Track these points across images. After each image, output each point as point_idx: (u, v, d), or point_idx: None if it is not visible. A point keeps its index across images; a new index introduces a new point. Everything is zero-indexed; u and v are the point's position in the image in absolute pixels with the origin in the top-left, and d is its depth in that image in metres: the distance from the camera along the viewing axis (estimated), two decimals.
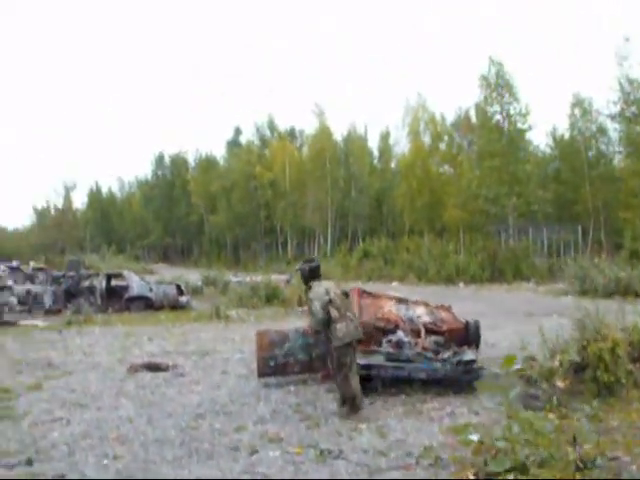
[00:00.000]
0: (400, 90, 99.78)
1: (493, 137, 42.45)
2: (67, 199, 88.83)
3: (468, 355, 9.83)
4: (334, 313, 8.22)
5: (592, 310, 9.32)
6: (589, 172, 43.66)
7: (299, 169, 60.74)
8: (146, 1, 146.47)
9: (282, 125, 74.04)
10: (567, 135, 48.69)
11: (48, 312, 21.80)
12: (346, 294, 8.79)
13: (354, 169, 58.74)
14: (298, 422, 8.04)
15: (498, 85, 42.59)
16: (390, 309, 11.37)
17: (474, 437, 7.22)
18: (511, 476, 5.59)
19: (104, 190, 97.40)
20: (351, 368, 8.28)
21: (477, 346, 10.55)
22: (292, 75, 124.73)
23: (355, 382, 8.27)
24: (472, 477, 5.94)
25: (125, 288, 22.80)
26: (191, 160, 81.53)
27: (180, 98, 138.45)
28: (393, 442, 7.16)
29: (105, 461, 6.59)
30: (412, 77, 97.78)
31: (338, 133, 61.78)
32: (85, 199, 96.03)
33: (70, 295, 22.67)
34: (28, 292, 22.92)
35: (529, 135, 44.46)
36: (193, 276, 33.61)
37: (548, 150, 52.24)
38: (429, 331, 10.75)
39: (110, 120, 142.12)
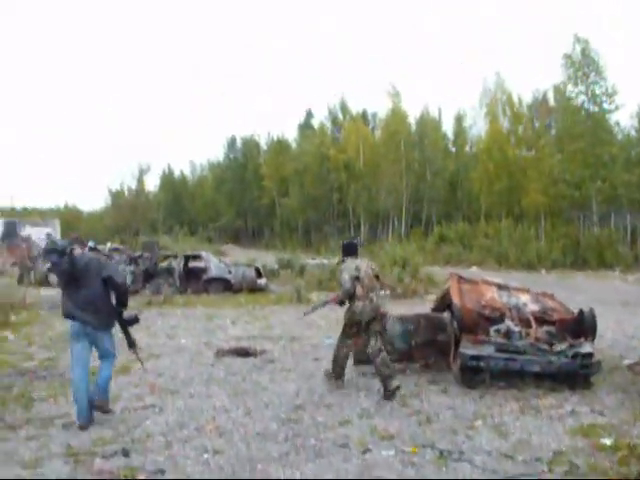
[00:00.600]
0: (473, 71, 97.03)
1: (577, 119, 40.68)
2: (141, 181, 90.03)
3: (585, 347, 8.96)
4: (358, 290, 8.63)
5: None
6: None
7: (373, 152, 59.79)
8: None
9: (354, 107, 73.14)
10: None
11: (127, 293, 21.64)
12: (377, 276, 9.04)
13: (429, 152, 57.42)
14: (406, 417, 7.38)
15: (583, 64, 40.72)
16: (493, 296, 10.56)
17: (607, 441, 6.47)
18: None
19: (176, 173, 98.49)
20: (346, 339, 8.97)
21: (593, 338, 9.64)
22: (362, 56, 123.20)
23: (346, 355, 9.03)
24: None
25: (203, 270, 22.45)
26: (263, 143, 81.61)
27: (252, 81, 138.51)
28: (516, 443, 6.44)
29: (205, 455, 6.06)
30: (485, 59, 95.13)
31: (411, 115, 60.35)
32: (158, 181, 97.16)
33: (149, 276, 22.48)
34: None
35: (615, 116, 42.45)
36: (266, 258, 33.24)
37: (633, 132, 49.93)
38: (538, 320, 9.90)
39: (183, 103, 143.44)
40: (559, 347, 8.97)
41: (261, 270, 23.33)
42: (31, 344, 12.25)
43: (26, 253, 48.90)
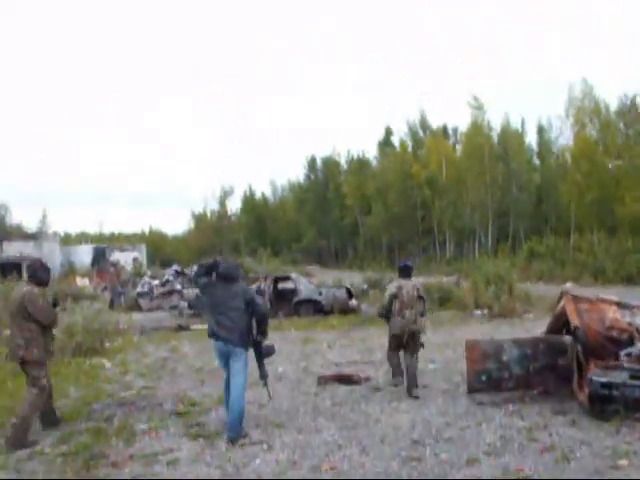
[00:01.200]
0: (557, 78, 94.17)
1: None
2: (223, 204, 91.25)
3: None
4: (395, 306, 9.82)
5: None
6: None
7: (456, 166, 58.74)
8: None
9: (434, 122, 72.16)
10: None
11: None
12: (421, 297, 9.98)
13: (513, 165, 55.92)
14: (539, 453, 6.63)
15: None
16: (615, 316, 9.67)
17: None
18: None
19: (257, 194, 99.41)
20: (395, 350, 10.05)
21: None
22: (440, 68, 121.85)
23: (397, 359, 10.07)
24: None
25: (293, 291, 22.01)
26: (343, 162, 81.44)
27: (329, 99, 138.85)
28: None
29: None
30: (570, 65, 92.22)
31: (492, 127, 58.92)
32: (239, 203, 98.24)
33: None
34: (197, 296, 22.68)
35: None
36: (352, 278, 32.65)
37: None
38: None
39: (262, 124, 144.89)
40: None
41: (352, 290, 22.73)
42: (127, 372, 12.02)
43: (115, 278, 49.95)
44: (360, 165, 74.50)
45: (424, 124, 71.58)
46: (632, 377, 7.95)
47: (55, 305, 7.96)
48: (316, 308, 21.64)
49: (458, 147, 67.25)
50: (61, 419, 8.26)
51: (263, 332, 7.73)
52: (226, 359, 7.59)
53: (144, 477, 6.25)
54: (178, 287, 26.85)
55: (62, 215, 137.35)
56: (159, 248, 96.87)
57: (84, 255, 67.50)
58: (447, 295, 22.93)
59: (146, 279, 30.36)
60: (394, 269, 46.84)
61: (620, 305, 10.21)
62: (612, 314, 9.71)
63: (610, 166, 47.44)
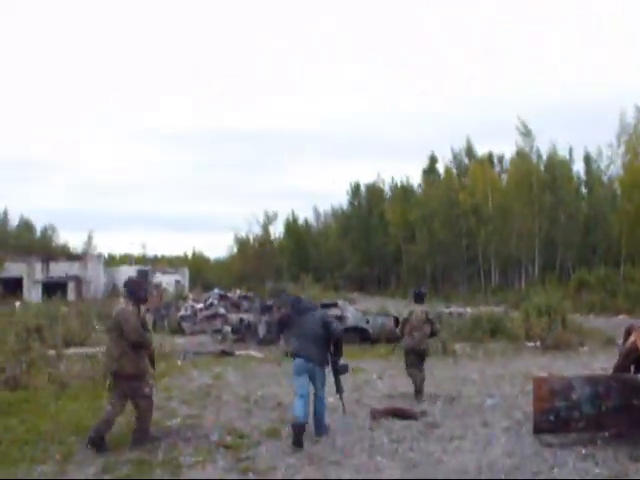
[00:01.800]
0: (608, 106, 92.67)
1: None
2: (266, 229, 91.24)
3: None
4: (406, 328, 11.86)
5: None
6: None
7: (502, 195, 57.88)
8: None
9: (479, 149, 71.29)
10: None
11: (261, 342, 20.98)
12: (429, 319, 11.89)
13: (562, 193, 54.84)
14: None
15: None
16: None
17: None
18: None
19: (300, 220, 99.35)
20: (411, 367, 11.68)
21: None
22: (485, 96, 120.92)
23: (418, 375, 11.62)
24: None
25: (340, 319, 21.44)
26: (387, 189, 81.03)
27: (369, 127, 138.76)
28: None
29: None
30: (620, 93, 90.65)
31: (540, 154, 57.96)
32: (281, 228, 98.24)
33: (283, 325, 21.76)
34: (241, 321, 22.36)
35: None
36: (396, 306, 31.95)
37: None
38: None
39: (302, 150, 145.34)
40: None
41: (400, 319, 22.09)
42: (171, 398, 11.61)
43: (158, 300, 49.96)
44: (404, 192, 74.00)
45: (469, 151, 70.90)
46: None
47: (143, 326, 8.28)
48: (363, 336, 21.12)
49: (505, 176, 66.39)
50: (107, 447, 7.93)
51: (340, 352, 8.81)
52: (305, 373, 8.52)
53: None
54: (222, 311, 26.53)
55: (107, 237, 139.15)
56: (201, 272, 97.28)
57: (127, 277, 67.82)
58: (497, 325, 22.19)
59: (189, 302, 30.10)
60: (438, 297, 46.14)
61: None
62: None
63: None
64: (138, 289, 8.48)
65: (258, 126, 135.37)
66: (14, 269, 58.56)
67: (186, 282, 71.27)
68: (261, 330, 21.42)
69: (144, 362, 8.27)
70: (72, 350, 17.49)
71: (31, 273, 59.59)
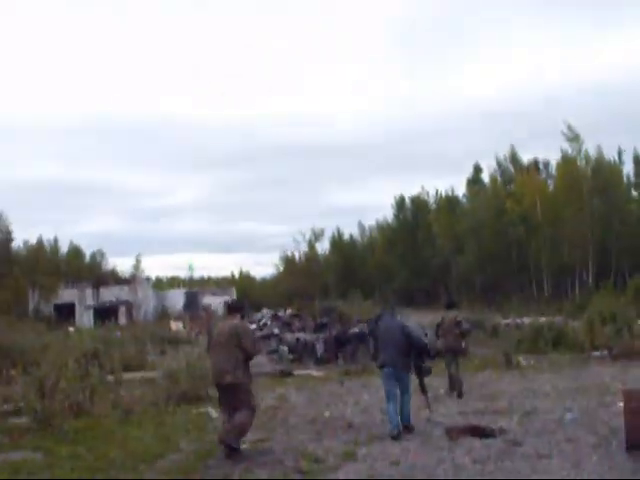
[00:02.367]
0: None
1: None
2: (313, 246, 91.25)
3: None
4: (439, 332, 13.93)
5: None
6: None
7: (551, 202, 56.79)
8: None
9: (524, 156, 70.15)
10: None
11: (319, 361, 20.61)
12: (458, 322, 13.80)
13: (613, 198, 53.60)
14: None
15: None
16: None
17: None
18: None
19: (345, 235, 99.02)
20: (449, 365, 13.49)
21: None
22: (525, 100, 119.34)
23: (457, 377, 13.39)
24: None
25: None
26: (432, 201, 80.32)
27: (410, 139, 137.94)
28: None
29: None
30: None
31: (589, 158, 56.76)
32: (327, 245, 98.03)
33: (340, 343, 21.40)
34: (298, 340, 22.07)
35: None
36: None
37: None
38: None
39: (344, 165, 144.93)
40: None
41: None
42: None
43: (208, 322, 50.04)
44: (450, 204, 73.24)
45: (514, 159, 69.88)
46: None
47: None
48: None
49: (549, 181, 65.30)
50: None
51: (422, 357, 10.22)
52: (394, 380, 9.81)
53: None
54: (276, 331, 26.29)
55: (154, 260, 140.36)
56: (248, 291, 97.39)
57: (176, 299, 68.33)
58: (559, 335, 21.50)
59: None
60: (490, 309, 45.28)
61: None
62: None
63: None
64: (241, 307, 9.85)
65: (298, 141, 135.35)
66: (66, 295, 59.44)
67: None
68: (319, 349, 21.06)
69: (250, 374, 9.04)
70: (130, 375, 17.31)
71: (82, 299, 60.39)
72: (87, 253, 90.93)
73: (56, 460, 8.64)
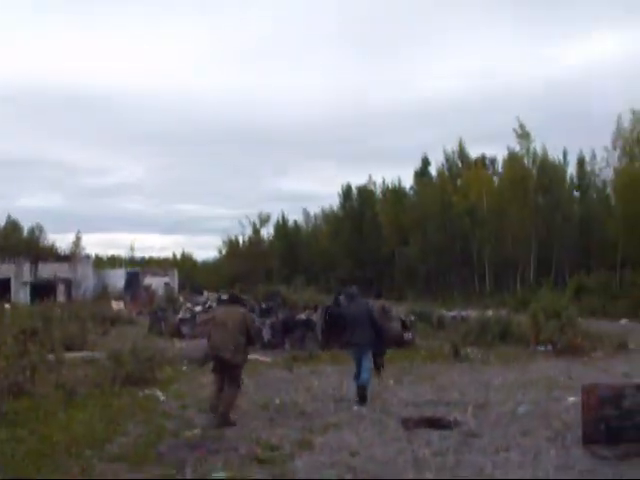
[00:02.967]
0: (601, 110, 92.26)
1: None
2: (258, 230, 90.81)
3: None
4: None
5: None
6: None
7: (497, 197, 57.53)
8: None
9: (472, 152, 70.83)
10: None
11: (266, 346, 20.30)
12: (384, 307, 18.07)
13: (558, 196, 54.56)
14: None
15: None
16: None
17: None
18: None
19: (290, 222, 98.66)
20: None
21: None
22: (476, 99, 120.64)
23: None
24: None
25: None
26: (379, 191, 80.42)
27: (361, 127, 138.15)
28: None
29: None
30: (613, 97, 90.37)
31: (537, 156, 57.58)
32: (271, 231, 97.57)
33: (287, 329, 21.14)
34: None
35: None
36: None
37: None
38: None
39: (291, 153, 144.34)
40: None
41: (407, 323, 21.56)
42: (185, 406, 10.98)
43: (149, 303, 49.28)
44: (396, 195, 73.48)
45: (462, 154, 70.51)
46: None
47: None
48: None
49: (495, 178, 66.09)
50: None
51: (382, 339, 11.82)
52: (358, 358, 11.38)
53: None
54: None
55: (94, 238, 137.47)
56: (189, 274, 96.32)
57: (117, 279, 67.05)
58: (506, 329, 21.68)
59: (188, 305, 29.38)
60: (434, 301, 45.62)
61: None
62: None
63: None
64: (241, 299, 11.46)
65: (247, 127, 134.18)
66: (2, 270, 57.57)
67: (175, 284, 70.40)
68: (265, 334, 20.73)
69: (246, 357, 10.29)
70: (71, 355, 16.73)
71: (19, 274, 58.59)
72: (25, 228, 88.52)
73: None
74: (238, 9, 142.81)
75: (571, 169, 61.12)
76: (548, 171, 56.13)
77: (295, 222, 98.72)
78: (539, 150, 56.68)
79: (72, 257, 65.99)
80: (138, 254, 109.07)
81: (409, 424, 9.24)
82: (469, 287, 59.31)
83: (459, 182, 65.75)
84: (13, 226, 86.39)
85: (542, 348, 19.68)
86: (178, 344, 21.27)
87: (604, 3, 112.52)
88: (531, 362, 17.16)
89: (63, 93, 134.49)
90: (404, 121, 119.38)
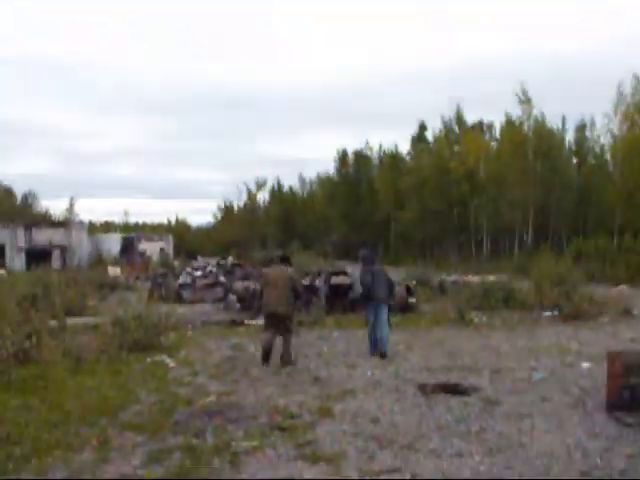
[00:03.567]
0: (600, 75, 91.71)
1: None
2: (254, 196, 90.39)
3: None
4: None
5: None
6: None
7: (496, 162, 57.09)
8: None
9: (469, 117, 70.14)
10: None
11: None
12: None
13: (557, 163, 54.17)
14: None
15: None
16: None
17: None
18: None
19: (285, 187, 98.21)
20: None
21: None
22: (474, 63, 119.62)
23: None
24: None
25: (349, 287, 20.55)
26: (375, 156, 79.81)
27: (358, 90, 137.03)
28: None
29: None
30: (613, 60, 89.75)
31: (538, 122, 57.01)
32: (267, 196, 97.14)
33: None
34: (246, 289, 21.44)
35: None
36: (390, 275, 31.15)
37: None
38: None
39: (287, 117, 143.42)
40: None
41: (412, 288, 21.38)
42: (196, 373, 10.78)
43: (142, 267, 49.11)
44: (393, 160, 72.90)
45: (459, 120, 69.83)
46: None
47: None
48: None
49: (493, 144, 65.57)
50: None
51: (393, 295, 13.77)
52: (380, 313, 12.55)
53: None
54: (222, 279, 25.66)
55: (88, 204, 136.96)
56: (184, 239, 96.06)
57: (112, 244, 66.78)
58: (509, 294, 21.53)
59: (188, 270, 29.17)
60: (429, 265, 45.40)
61: None
62: None
63: None
64: (288, 258, 12.47)
65: (243, 93, 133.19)
66: None
67: (171, 250, 70.21)
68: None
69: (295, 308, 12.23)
70: (72, 320, 16.49)
71: (14, 240, 58.18)
72: (19, 194, 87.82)
73: (6, 411, 8.01)
74: None
75: (570, 136, 60.82)
76: (545, 137, 55.66)
77: (290, 187, 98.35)
78: (538, 116, 56.20)
79: (67, 223, 65.52)
80: (132, 219, 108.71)
81: (426, 390, 9.08)
82: (465, 252, 59.18)
83: (456, 148, 65.20)
84: (6, 193, 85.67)
85: (548, 313, 19.54)
86: (180, 309, 21.08)
87: None
88: (538, 327, 16.99)
89: (60, 59, 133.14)
90: (401, 85, 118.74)
